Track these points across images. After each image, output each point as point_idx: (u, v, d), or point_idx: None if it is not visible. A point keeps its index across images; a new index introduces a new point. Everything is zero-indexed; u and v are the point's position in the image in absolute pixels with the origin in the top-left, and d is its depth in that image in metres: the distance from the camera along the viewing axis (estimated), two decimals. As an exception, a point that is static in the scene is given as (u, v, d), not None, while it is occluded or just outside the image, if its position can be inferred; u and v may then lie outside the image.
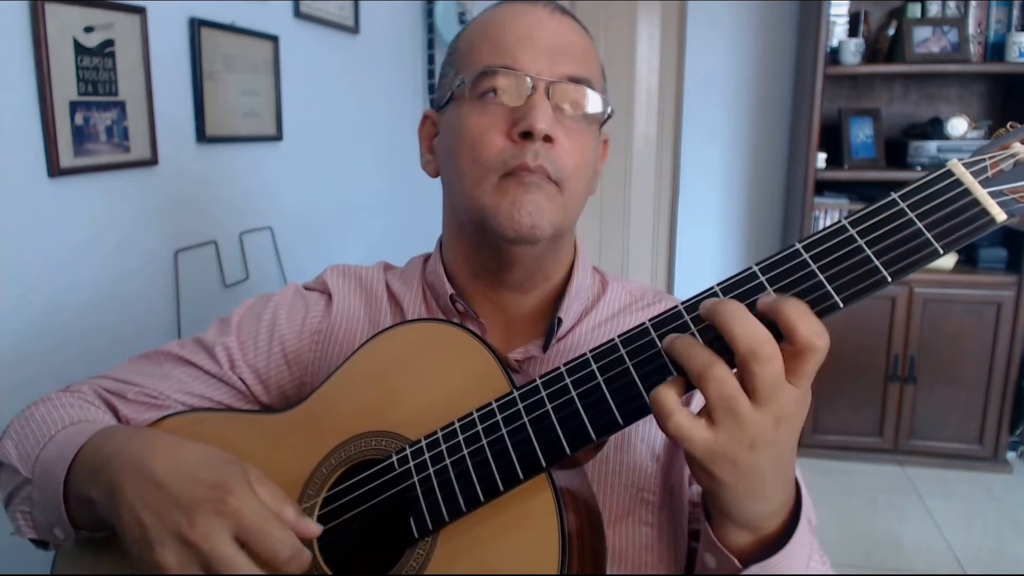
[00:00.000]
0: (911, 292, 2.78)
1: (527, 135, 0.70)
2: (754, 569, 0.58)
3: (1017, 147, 0.49)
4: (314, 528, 0.62)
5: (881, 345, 2.83)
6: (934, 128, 2.85)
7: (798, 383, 0.51)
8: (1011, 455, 2.89)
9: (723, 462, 0.52)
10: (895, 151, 2.94)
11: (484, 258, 0.78)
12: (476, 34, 0.77)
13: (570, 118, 0.74)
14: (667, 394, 0.52)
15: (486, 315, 0.80)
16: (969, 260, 2.85)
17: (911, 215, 0.51)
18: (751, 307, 0.51)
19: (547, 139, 0.71)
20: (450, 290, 0.80)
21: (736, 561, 0.59)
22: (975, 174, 0.50)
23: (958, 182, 0.50)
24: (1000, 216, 0.49)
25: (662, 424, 0.52)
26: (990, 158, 0.49)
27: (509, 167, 0.71)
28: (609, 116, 0.78)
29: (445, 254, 0.84)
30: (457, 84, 0.75)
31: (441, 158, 0.80)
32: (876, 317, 2.82)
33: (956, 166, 0.50)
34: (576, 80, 0.73)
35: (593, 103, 0.75)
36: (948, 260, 2.79)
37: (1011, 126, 0.51)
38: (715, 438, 0.51)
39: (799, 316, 0.49)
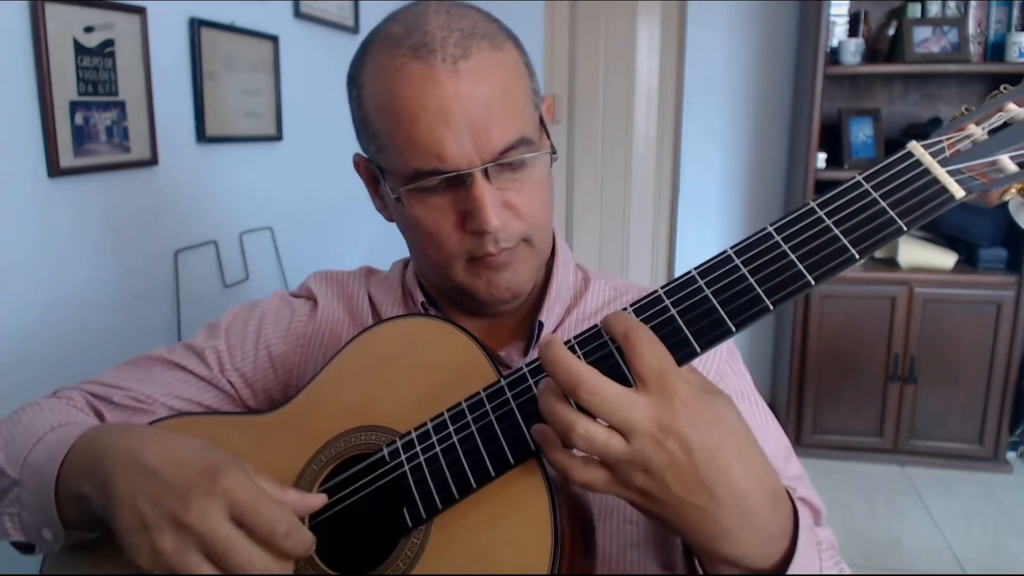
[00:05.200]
0: (911, 292, 2.77)
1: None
2: None
3: (972, 128, 0.51)
4: (318, 498, 0.63)
5: (881, 345, 2.83)
6: (934, 128, 2.82)
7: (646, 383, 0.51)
8: (1011, 455, 2.88)
9: (633, 496, 0.53)
10: (895, 151, 2.92)
11: (462, 299, 0.79)
12: (383, 114, 0.69)
13: (517, 178, 0.71)
14: (557, 455, 0.54)
15: (463, 322, 0.80)
16: (969, 260, 2.84)
17: (875, 195, 0.53)
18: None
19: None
20: (421, 298, 0.82)
21: None
22: (933, 155, 0.52)
23: (917, 163, 0.52)
24: (959, 193, 0.51)
25: (570, 481, 0.54)
26: (947, 139, 0.51)
27: (474, 255, 0.72)
28: (554, 153, 0.74)
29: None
30: (386, 172, 0.73)
31: (397, 223, 0.79)
32: (876, 317, 2.81)
33: (915, 148, 0.52)
34: (509, 148, 0.68)
35: (533, 159, 0.71)
36: (948, 260, 2.79)
37: (966, 109, 0.53)
38: (610, 476, 0.53)
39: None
